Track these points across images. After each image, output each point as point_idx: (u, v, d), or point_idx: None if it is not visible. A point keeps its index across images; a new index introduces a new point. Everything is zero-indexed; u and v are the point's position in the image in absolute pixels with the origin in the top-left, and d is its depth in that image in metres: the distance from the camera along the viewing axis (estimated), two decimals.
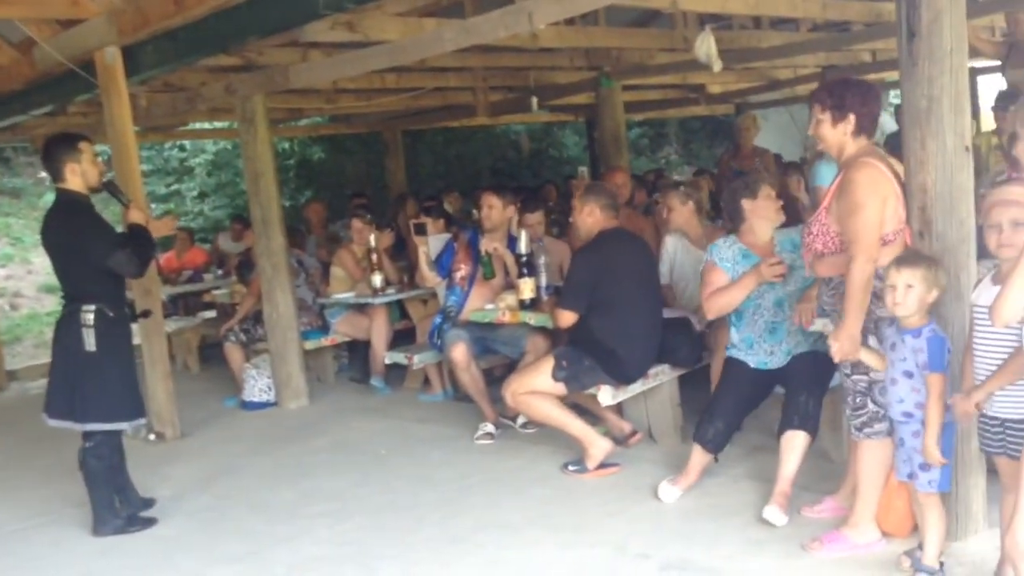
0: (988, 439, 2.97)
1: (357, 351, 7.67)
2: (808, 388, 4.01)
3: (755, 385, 4.25)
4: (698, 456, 4.23)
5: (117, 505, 4.57)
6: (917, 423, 3.17)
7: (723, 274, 4.25)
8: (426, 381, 6.71)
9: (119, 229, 4.65)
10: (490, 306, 5.50)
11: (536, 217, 5.95)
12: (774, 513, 3.82)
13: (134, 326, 4.85)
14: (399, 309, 7.42)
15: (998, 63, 7.24)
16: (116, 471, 4.58)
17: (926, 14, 3.20)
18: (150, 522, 4.61)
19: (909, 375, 3.16)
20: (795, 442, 3.94)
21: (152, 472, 5.30)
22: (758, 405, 4.37)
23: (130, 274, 4.51)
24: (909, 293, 3.06)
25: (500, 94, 10.50)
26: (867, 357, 3.32)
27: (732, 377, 4.29)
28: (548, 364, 4.73)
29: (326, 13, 4.83)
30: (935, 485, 3.19)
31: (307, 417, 6.51)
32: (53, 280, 4.69)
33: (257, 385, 6.84)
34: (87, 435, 4.46)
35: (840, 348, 3.27)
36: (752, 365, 4.25)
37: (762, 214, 4.25)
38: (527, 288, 5.21)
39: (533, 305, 5.21)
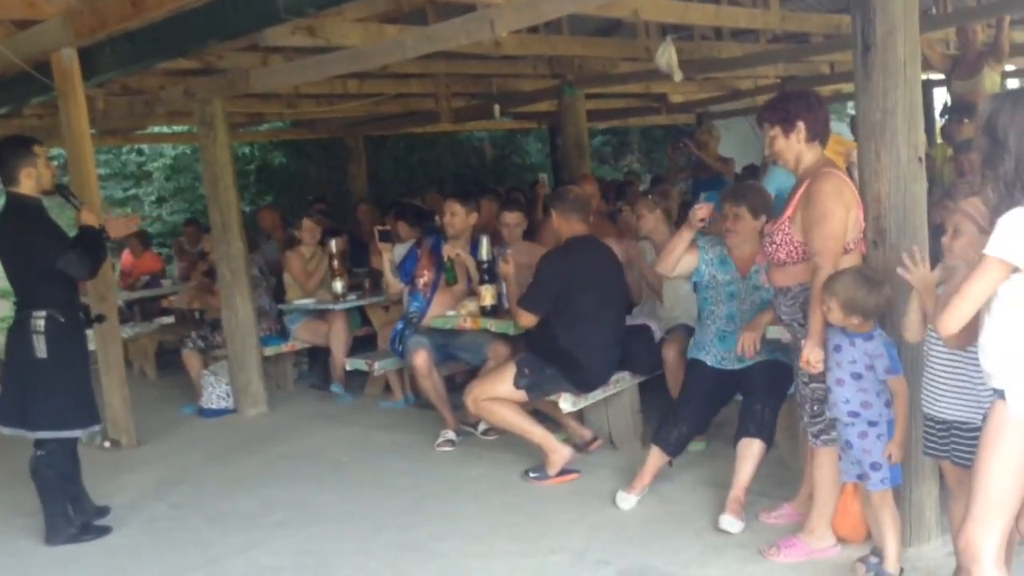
0: (933, 442, 3.02)
1: (317, 357, 7.62)
2: (764, 397, 4.06)
3: (718, 385, 4.31)
4: (655, 459, 4.26)
5: (71, 514, 4.48)
6: (863, 423, 3.25)
7: (695, 252, 4.31)
8: (387, 388, 6.68)
9: (72, 234, 4.58)
10: (452, 312, 5.50)
11: (515, 217, 5.79)
12: (729, 521, 3.87)
13: (89, 332, 4.77)
14: (360, 315, 7.38)
15: (943, 76, 7.43)
16: (69, 480, 4.50)
17: (880, 28, 3.25)
18: (104, 531, 4.53)
19: (857, 376, 3.23)
20: (751, 450, 4.00)
21: (107, 480, 5.21)
22: (721, 407, 4.42)
23: (81, 275, 4.43)
24: (830, 312, 3.20)
25: (463, 101, 10.49)
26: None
27: (694, 379, 4.35)
28: (510, 371, 4.73)
29: (287, 18, 4.80)
30: (888, 482, 3.26)
31: (266, 424, 6.45)
32: (6, 285, 4.62)
33: (215, 392, 6.77)
34: (39, 443, 4.38)
35: (817, 358, 3.32)
36: (710, 364, 4.32)
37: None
38: (488, 295, 5.21)
39: (494, 312, 5.22)
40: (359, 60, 5.61)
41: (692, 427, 4.24)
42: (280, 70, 6.45)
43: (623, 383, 4.96)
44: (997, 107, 2.49)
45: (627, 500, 4.25)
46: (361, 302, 7.00)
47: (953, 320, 2.50)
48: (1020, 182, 2.41)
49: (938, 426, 2.96)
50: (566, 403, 4.73)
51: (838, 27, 7.35)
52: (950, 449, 2.94)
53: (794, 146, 3.49)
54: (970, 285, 2.45)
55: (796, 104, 3.49)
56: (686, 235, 4.22)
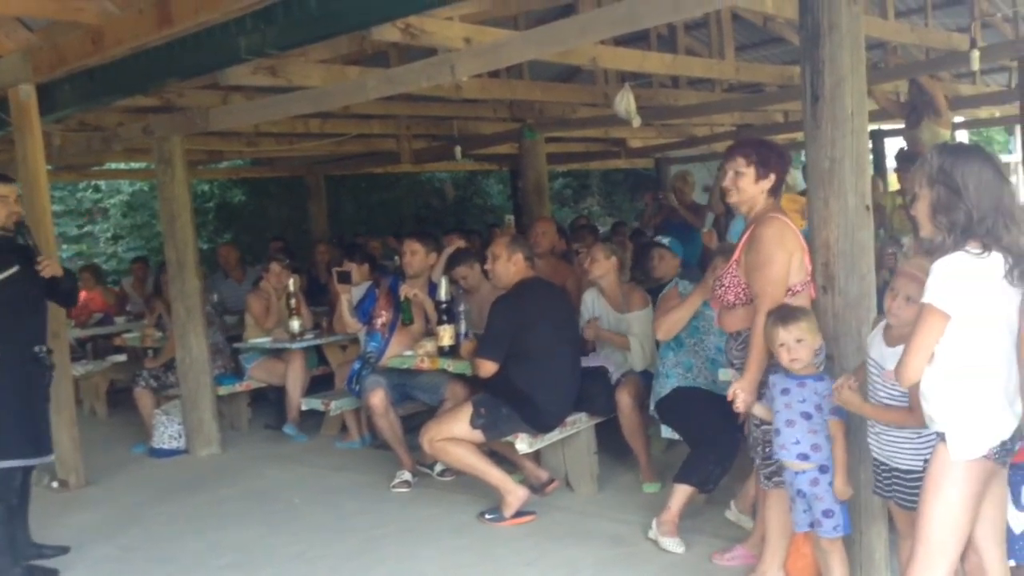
0: (879, 483, 3.07)
1: (269, 398, 7.53)
2: None
3: (723, 406, 4.28)
4: (685, 496, 4.24)
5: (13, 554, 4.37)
6: (815, 470, 3.27)
7: (679, 299, 4.50)
8: (343, 428, 6.63)
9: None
10: (409, 353, 5.49)
11: (462, 271, 5.72)
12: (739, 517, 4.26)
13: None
14: (317, 355, 7.34)
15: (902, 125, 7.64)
16: (13, 513, 4.41)
17: (829, 79, 3.36)
18: (51, 573, 4.42)
19: (808, 416, 3.27)
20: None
21: (54, 521, 5.10)
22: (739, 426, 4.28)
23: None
24: (801, 347, 3.22)
25: (424, 142, 10.58)
26: (758, 409, 3.44)
27: (703, 407, 4.37)
28: (466, 411, 4.73)
29: (248, 58, 4.84)
30: (840, 530, 3.29)
31: (218, 465, 6.35)
32: None
33: (167, 432, 6.66)
34: None
35: (744, 399, 3.39)
36: (704, 387, 4.44)
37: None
38: (446, 335, 5.21)
39: (452, 352, 5.22)
40: (320, 100, 5.64)
41: (728, 458, 4.29)
42: (240, 109, 6.46)
43: (579, 424, 4.98)
44: (952, 158, 2.57)
45: (676, 544, 4.14)
46: (318, 341, 6.96)
47: (910, 372, 2.57)
48: (971, 230, 2.50)
49: (882, 467, 3.02)
50: (522, 444, 4.73)
51: (791, 78, 7.56)
52: (893, 491, 2.99)
53: (757, 193, 3.57)
54: (918, 338, 2.53)
55: (776, 157, 3.59)
56: (698, 301, 4.34)
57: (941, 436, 2.57)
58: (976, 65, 6.58)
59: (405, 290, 5.65)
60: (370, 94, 5.26)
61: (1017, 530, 2.89)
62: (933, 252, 2.57)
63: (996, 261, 2.47)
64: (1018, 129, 14.27)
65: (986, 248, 2.47)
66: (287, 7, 4.47)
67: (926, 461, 2.77)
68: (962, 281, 2.47)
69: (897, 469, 2.94)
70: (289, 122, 8.29)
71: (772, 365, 3.38)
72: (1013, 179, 12.49)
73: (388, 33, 4.73)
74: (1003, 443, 2.56)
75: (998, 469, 2.63)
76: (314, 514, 5.10)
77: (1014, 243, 2.50)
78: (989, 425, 2.54)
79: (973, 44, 6.62)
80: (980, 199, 2.50)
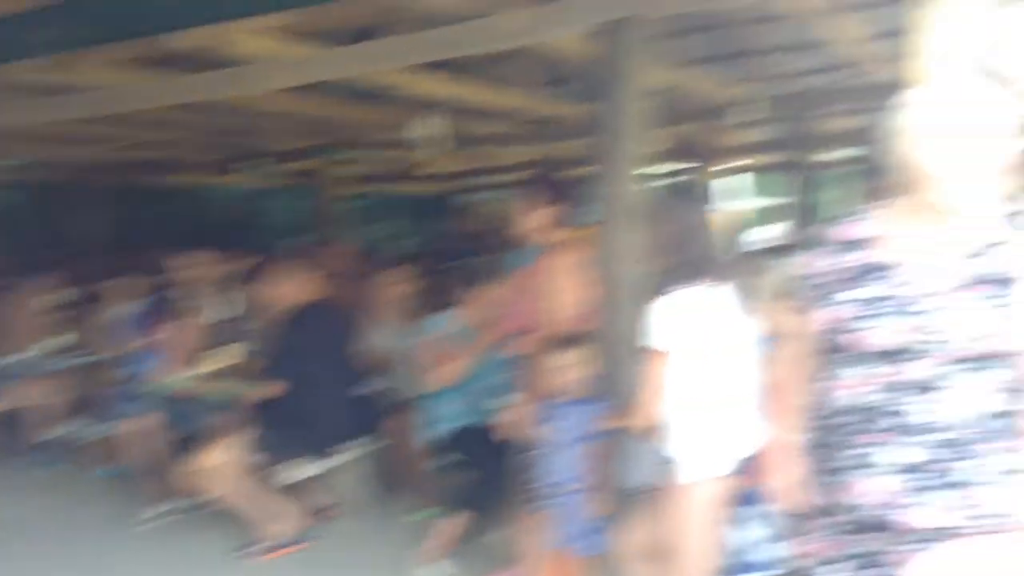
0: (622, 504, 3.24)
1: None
2: None
3: (495, 434, 4.24)
4: (457, 524, 4.21)
5: None
6: (574, 492, 3.41)
7: (446, 344, 4.45)
8: (103, 455, 6.11)
9: None
10: (182, 375, 5.21)
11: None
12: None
13: None
14: (78, 376, 6.78)
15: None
16: None
17: (621, 119, 3.52)
18: None
19: (572, 442, 3.39)
20: None
21: None
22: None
23: None
24: (571, 372, 3.37)
25: (216, 154, 10.18)
26: (526, 434, 3.56)
27: (471, 439, 4.31)
28: (242, 437, 4.57)
29: (31, 55, 4.48)
30: (592, 549, 3.41)
31: None
32: None
33: None
34: None
35: (512, 424, 3.47)
36: (476, 423, 4.36)
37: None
38: (223, 357, 5.03)
39: (230, 374, 5.02)
40: (105, 104, 5.30)
41: (499, 484, 4.21)
42: (17, 107, 5.93)
43: (356, 450, 4.92)
44: (668, 204, 2.88)
45: (441, 571, 4.14)
46: (80, 360, 6.45)
47: (643, 411, 2.79)
48: (690, 270, 2.76)
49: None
50: (298, 470, 4.61)
51: (590, 114, 7.79)
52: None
53: (532, 222, 3.71)
54: (641, 378, 2.77)
55: (553, 190, 3.73)
56: (484, 345, 4.29)
57: (672, 460, 2.74)
58: (741, 117, 7.10)
59: (180, 300, 5.38)
60: (162, 100, 4.99)
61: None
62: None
63: (717, 294, 2.68)
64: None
65: (704, 283, 2.68)
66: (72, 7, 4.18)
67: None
68: (677, 316, 2.68)
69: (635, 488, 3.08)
70: (71, 125, 7.70)
71: (545, 391, 3.46)
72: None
73: (184, 41, 4.48)
74: (729, 464, 2.74)
75: (725, 489, 2.80)
76: (56, 551, 4.65)
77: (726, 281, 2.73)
78: (716, 448, 2.73)
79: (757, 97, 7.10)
80: (691, 243, 2.71)
